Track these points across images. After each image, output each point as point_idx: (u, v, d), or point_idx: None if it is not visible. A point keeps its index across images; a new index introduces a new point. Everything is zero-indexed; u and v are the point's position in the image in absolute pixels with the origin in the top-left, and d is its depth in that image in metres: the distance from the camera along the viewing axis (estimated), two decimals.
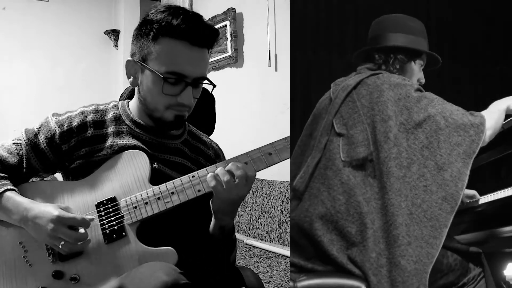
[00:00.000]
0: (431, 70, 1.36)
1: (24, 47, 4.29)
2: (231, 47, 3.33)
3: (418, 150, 1.13)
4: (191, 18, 1.05)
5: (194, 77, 1.06)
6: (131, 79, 1.12)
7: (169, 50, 1.04)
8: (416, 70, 1.30)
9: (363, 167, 1.17)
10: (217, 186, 0.99)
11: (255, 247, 2.70)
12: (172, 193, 1.01)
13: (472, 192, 1.31)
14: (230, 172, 0.99)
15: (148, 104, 1.09)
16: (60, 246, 0.95)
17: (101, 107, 1.16)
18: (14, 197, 1.00)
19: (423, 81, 1.32)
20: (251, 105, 3.23)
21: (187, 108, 1.09)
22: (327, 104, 1.29)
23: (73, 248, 0.96)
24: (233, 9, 3.34)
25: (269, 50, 2.99)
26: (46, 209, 0.97)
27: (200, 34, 1.05)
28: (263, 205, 2.85)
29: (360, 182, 1.16)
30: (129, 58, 1.11)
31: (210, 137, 1.32)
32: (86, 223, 0.97)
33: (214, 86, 1.12)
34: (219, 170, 1.00)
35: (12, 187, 1.03)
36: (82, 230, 0.97)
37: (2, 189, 1.01)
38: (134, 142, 1.10)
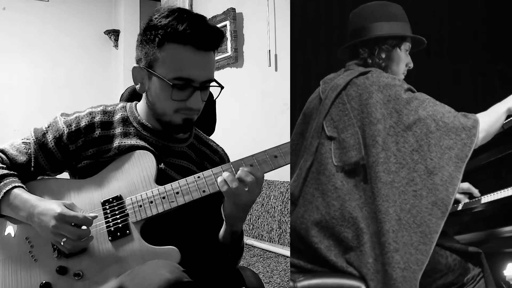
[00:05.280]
0: (419, 53, 1.33)
1: (24, 47, 4.29)
2: (231, 47, 3.34)
3: (408, 154, 1.11)
4: (196, 22, 1.05)
5: (201, 81, 1.06)
6: (138, 85, 1.12)
7: (175, 56, 1.04)
8: (403, 55, 1.27)
9: (355, 171, 1.15)
10: (228, 191, 0.98)
11: (255, 247, 2.70)
12: (177, 192, 1.02)
13: (466, 184, 1.28)
14: (240, 179, 0.99)
15: (157, 109, 1.10)
16: (62, 243, 0.96)
17: (109, 108, 1.17)
18: (21, 194, 1.02)
19: (411, 65, 1.29)
20: (251, 105, 3.22)
21: (196, 111, 1.10)
22: (317, 104, 1.27)
23: (75, 245, 0.97)
24: (233, 9, 3.34)
25: (269, 50, 2.99)
26: (50, 206, 0.98)
27: (205, 38, 1.05)
28: (263, 205, 2.85)
29: (353, 187, 1.14)
30: (135, 64, 1.11)
31: (211, 137, 1.32)
32: (88, 221, 0.98)
33: (222, 87, 1.12)
34: (228, 176, 0.99)
35: (20, 184, 1.04)
36: (84, 227, 0.98)
37: (11, 186, 1.02)
38: (141, 143, 1.11)
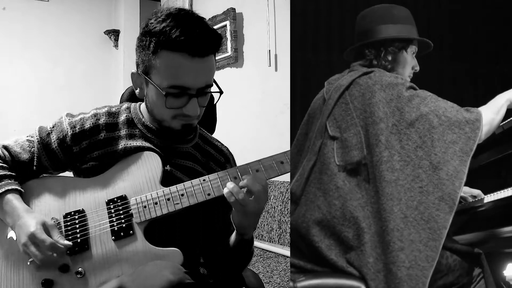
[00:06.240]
0: (428, 61, 1.34)
1: (24, 47, 4.29)
2: (231, 47, 3.33)
3: (412, 151, 1.10)
4: (191, 27, 1.01)
5: (197, 87, 1.04)
6: (137, 90, 1.12)
7: (170, 64, 1.01)
8: (409, 58, 1.27)
9: (357, 171, 1.15)
10: (235, 203, 0.98)
11: (255, 247, 2.70)
12: (182, 194, 1.02)
13: (477, 191, 1.29)
14: (246, 188, 0.98)
15: (155, 115, 1.10)
16: (28, 263, 0.98)
17: (113, 109, 1.16)
18: (12, 200, 1.02)
19: (417, 68, 1.29)
20: (251, 105, 3.22)
21: (194, 118, 1.08)
22: (321, 104, 1.28)
23: (40, 269, 0.97)
24: (233, 9, 3.34)
25: (269, 50, 2.99)
26: (29, 222, 0.98)
27: (201, 43, 1.01)
28: None
29: (355, 186, 1.14)
30: (133, 70, 1.10)
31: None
32: (55, 249, 0.96)
33: (221, 92, 1.10)
34: (234, 188, 0.98)
35: (15, 187, 1.04)
36: (55, 254, 0.97)
37: (3, 190, 1.02)
38: (147, 144, 1.11)
